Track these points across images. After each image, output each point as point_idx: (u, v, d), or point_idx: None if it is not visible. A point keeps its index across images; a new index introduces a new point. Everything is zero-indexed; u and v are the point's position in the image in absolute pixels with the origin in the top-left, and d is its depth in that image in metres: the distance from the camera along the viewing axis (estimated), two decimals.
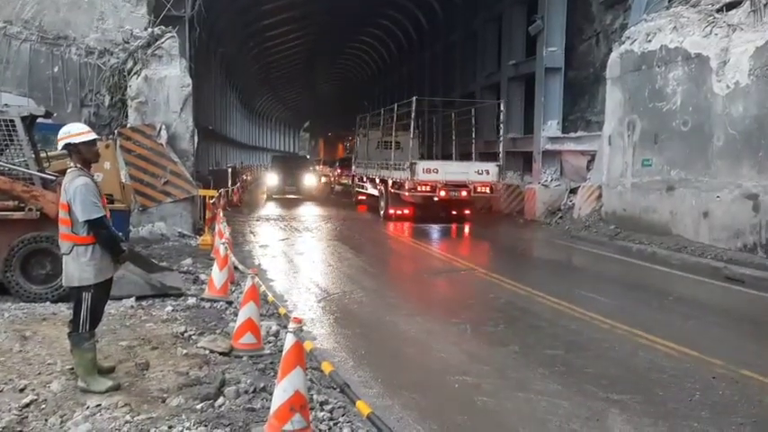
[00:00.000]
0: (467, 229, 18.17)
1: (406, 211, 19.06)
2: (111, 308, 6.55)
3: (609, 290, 9.95)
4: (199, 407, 4.43)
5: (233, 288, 8.45)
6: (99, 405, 4.39)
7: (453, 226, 18.36)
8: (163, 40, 14.41)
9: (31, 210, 7.48)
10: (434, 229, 17.68)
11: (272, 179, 29.43)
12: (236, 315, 6.67)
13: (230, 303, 7.68)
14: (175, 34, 14.83)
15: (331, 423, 4.39)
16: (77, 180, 4.68)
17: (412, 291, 10.12)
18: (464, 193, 18.17)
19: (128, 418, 4.21)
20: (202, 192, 15.10)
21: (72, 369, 4.92)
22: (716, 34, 12.74)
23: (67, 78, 14.80)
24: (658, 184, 14.32)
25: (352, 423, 4.39)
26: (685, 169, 13.53)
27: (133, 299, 7.42)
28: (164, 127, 13.84)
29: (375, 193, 21.97)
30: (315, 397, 4.71)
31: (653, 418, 4.84)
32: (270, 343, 6.16)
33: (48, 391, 4.66)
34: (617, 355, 6.42)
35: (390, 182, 19.55)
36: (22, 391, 4.64)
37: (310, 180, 30.81)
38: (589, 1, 20.94)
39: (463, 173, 18.40)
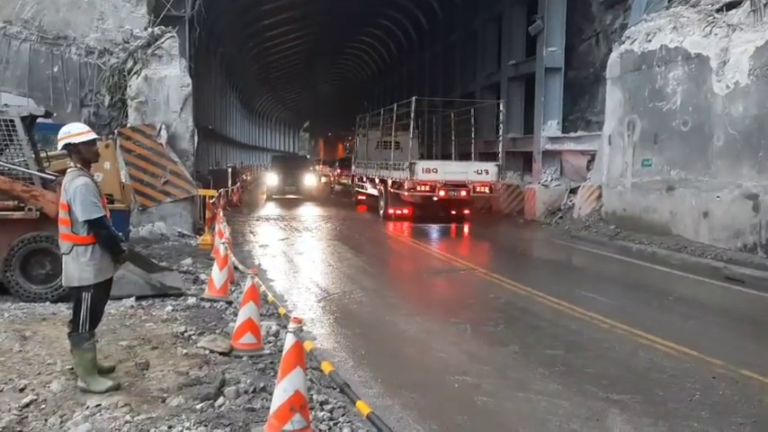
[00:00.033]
0: (466, 228, 18.17)
1: (406, 211, 19.08)
2: (111, 308, 6.55)
3: (609, 290, 9.95)
4: (199, 407, 4.43)
5: (233, 288, 8.45)
6: (99, 405, 4.39)
7: (453, 226, 18.36)
8: (163, 39, 14.41)
9: (30, 209, 7.48)
10: (434, 229, 17.68)
11: (271, 179, 29.30)
12: (235, 315, 6.67)
13: (230, 303, 7.68)
14: (175, 34, 14.83)
15: (331, 423, 4.39)
16: (77, 180, 4.68)
17: (412, 291, 10.12)
18: (463, 193, 18.19)
19: (128, 418, 4.21)
20: (202, 192, 15.10)
21: (72, 369, 4.92)
22: (716, 34, 12.74)
23: (67, 78, 14.80)
24: (658, 183, 14.32)
25: (352, 423, 4.39)
26: (685, 169, 13.52)
27: (133, 299, 7.42)
28: (164, 127, 13.84)
29: (375, 192, 21.99)
30: (315, 397, 4.71)
31: (653, 418, 4.84)
32: (270, 343, 6.16)
33: (47, 391, 4.65)
34: (617, 354, 6.41)
35: (390, 182, 19.56)
36: (21, 390, 4.64)
37: (310, 180, 30.74)
38: (589, 1, 20.95)
39: (462, 173, 18.42)
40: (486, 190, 18.47)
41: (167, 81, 14.17)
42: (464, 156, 22.07)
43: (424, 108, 24.68)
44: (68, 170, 4.84)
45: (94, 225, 4.66)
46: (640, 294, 9.58)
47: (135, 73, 14.24)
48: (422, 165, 18.34)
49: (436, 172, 18.15)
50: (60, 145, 4.78)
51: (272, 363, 5.46)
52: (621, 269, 11.98)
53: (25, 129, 7.68)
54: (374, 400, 4.97)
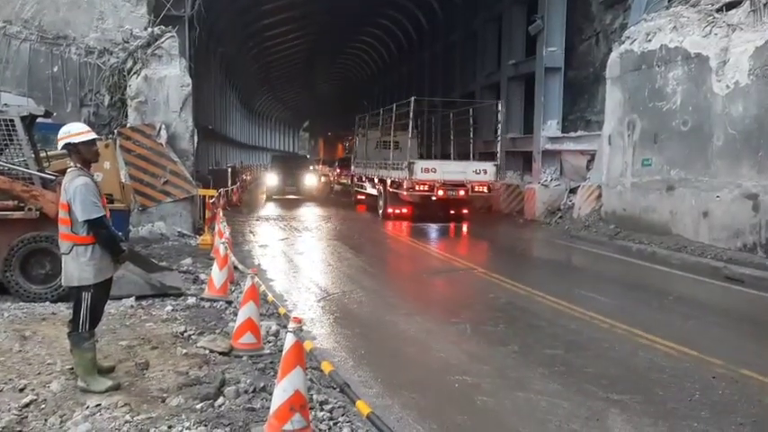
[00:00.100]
0: (466, 228, 18.18)
1: (405, 211, 19.13)
2: (110, 307, 6.55)
3: (609, 289, 9.95)
4: (198, 407, 4.43)
5: (233, 288, 8.45)
6: (99, 405, 4.38)
7: (451, 225, 18.40)
8: (163, 39, 14.40)
9: (30, 209, 7.48)
10: (433, 229, 17.70)
11: (271, 179, 29.04)
12: (235, 315, 6.67)
13: (230, 303, 7.68)
14: (175, 34, 14.81)
15: (331, 423, 4.39)
16: (77, 180, 4.68)
17: (411, 290, 10.12)
18: (462, 193, 18.25)
19: (127, 417, 4.21)
20: (202, 191, 15.10)
21: (72, 369, 4.92)
22: (716, 34, 12.74)
23: (67, 78, 14.79)
24: (658, 183, 14.32)
25: (351, 423, 4.39)
26: (685, 169, 13.53)
27: (133, 298, 7.42)
28: (163, 127, 13.83)
29: (374, 192, 22.01)
30: (315, 397, 4.71)
31: (653, 417, 4.84)
32: (270, 343, 6.16)
33: (47, 390, 4.65)
34: (617, 354, 6.42)
35: (389, 181, 19.59)
36: (21, 390, 4.64)
37: (311, 180, 30.60)
38: (589, 1, 20.95)
39: (461, 172, 18.48)
40: (485, 189, 18.56)
41: (167, 81, 14.16)
42: (464, 155, 22.10)
43: (424, 108, 24.71)
44: (68, 170, 4.84)
45: (94, 225, 4.66)
46: (640, 294, 9.58)
47: (135, 73, 14.23)
48: (420, 164, 18.40)
49: (435, 171, 18.21)
50: (60, 145, 4.78)
51: (271, 362, 5.46)
52: (621, 269, 11.98)
53: (25, 128, 7.68)
54: (374, 399, 4.97)
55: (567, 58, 21.02)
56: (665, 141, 14.13)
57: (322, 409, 4.55)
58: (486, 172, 18.50)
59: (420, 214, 18.95)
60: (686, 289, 10.08)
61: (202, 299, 7.81)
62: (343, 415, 4.51)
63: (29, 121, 7.92)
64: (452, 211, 19.02)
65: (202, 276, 9.35)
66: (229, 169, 27.57)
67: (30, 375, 4.94)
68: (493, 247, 15.55)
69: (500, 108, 20.14)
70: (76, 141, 4.74)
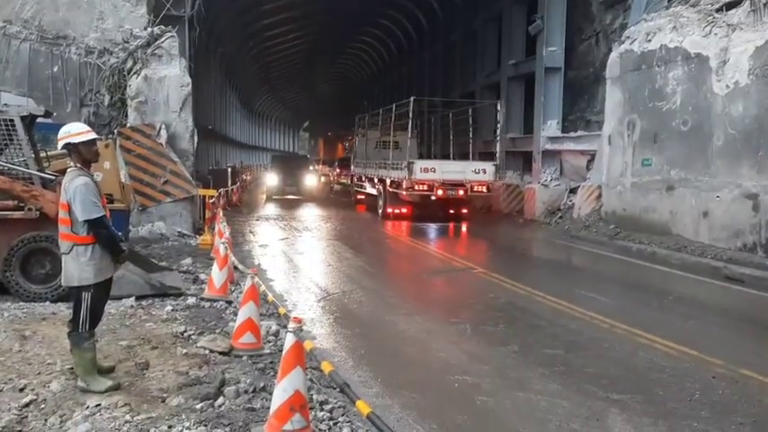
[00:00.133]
0: (465, 228, 18.19)
1: (404, 210, 19.16)
2: (110, 307, 6.55)
3: (609, 289, 9.95)
4: (198, 406, 4.43)
5: (233, 288, 8.45)
6: (99, 405, 4.38)
7: (451, 225, 18.43)
8: (162, 39, 14.40)
9: (30, 209, 7.48)
10: (432, 228, 17.71)
11: (271, 179, 28.75)
12: (235, 315, 6.67)
13: (230, 303, 7.68)
14: (175, 34, 14.81)
15: (331, 423, 4.39)
16: (77, 180, 4.68)
17: (411, 290, 10.12)
18: (461, 192, 18.30)
19: (127, 417, 4.21)
20: (202, 191, 15.10)
21: (72, 369, 4.92)
22: (715, 34, 12.74)
23: (67, 78, 14.79)
24: (658, 183, 14.32)
25: (351, 423, 4.39)
26: (685, 169, 13.53)
27: (133, 298, 7.42)
28: (163, 126, 13.83)
29: (374, 192, 22.03)
30: (314, 397, 4.71)
31: (653, 417, 4.84)
32: (270, 342, 6.16)
33: (47, 390, 4.65)
34: (617, 354, 6.42)
35: (388, 181, 19.62)
36: (21, 390, 4.64)
37: (311, 180, 30.41)
38: (589, 1, 20.95)
39: (460, 172, 18.55)
40: (484, 189, 18.64)
41: (167, 81, 14.16)
42: (464, 155, 22.14)
43: (424, 108, 24.73)
44: (68, 170, 4.84)
45: (94, 225, 4.66)
46: (640, 294, 9.58)
47: (135, 73, 14.23)
48: (420, 164, 18.45)
49: (434, 171, 18.27)
50: (60, 145, 4.78)
51: (271, 362, 5.46)
52: (621, 269, 11.98)
53: (25, 128, 7.68)
54: (374, 399, 4.97)
55: (567, 58, 21.03)
56: (665, 141, 14.13)
57: (322, 409, 4.55)
58: (485, 172, 18.58)
59: (419, 214, 19.00)
60: (686, 289, 10.08)
61: (202, 299, 7.81)
62: (343, 415, 4.51)
63: (29, 121, 7.91)
64: (452, 211, 19.07)
65: (202, 276, 9.35)
66: (229, 169, 27.57)
67: (30, 375, 4.94)
68: (493, 247, 15.55)
69: (499, 108, 20.17)
70: (76, 141, 4.74)
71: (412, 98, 18.66)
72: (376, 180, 21.54)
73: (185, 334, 6.23)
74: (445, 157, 24.33)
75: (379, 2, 37.07)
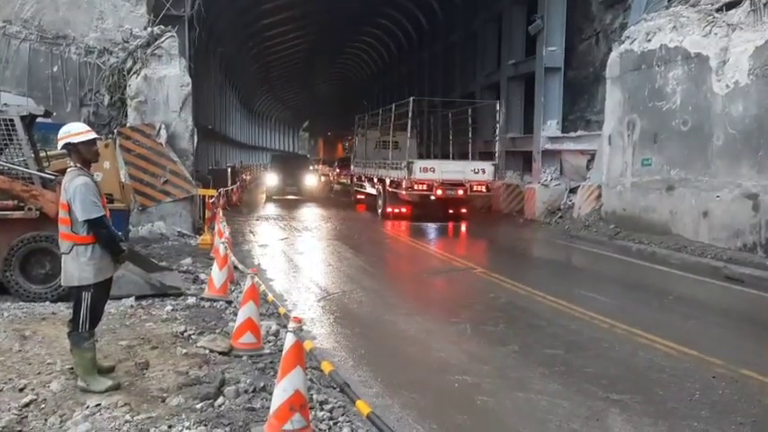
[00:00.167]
0: (465, 227, 18.20)
1: (404, 210, 19.21)
2: (110, 307, 6.55)
3: (608, 289, 9.95)
4: (198, 406, 4.43)
5: (233, 287, 8.45)
6: (99, 405, 4.38)
7: (450, 224, 18.47)
8: (162, 39, 14.40)
9: (30, 209, 7.48)
10: (432, 228, 17.72)
11: (271, 179, 28.61)
12: (235, 314, 6.67)
13: (230, 303, 7.68)
14: (175, 34, 14.82)
15: (331, 422, 4.39)
16: (77, 179, 4.68)
17: (411, 290, 10.12)
18: (460, 192, 18.35)
19: (127, 417, 4.21)
20: (202, 191, 15.10)
21: (72, 368, 4.92)
22: (715, 34, 12.74)
23: (67, 78, 14.79)
24: (658, 183, 14.32)
25: (351, 422, 4.39)
26: (685, 169, 13.53)
27: (133, 298, 7.42)
28: (163, 126, 13.82)
29: (373, 192, 22.06)
30: (314, 396, 4.71)
31: (653, 417, 4.84)
32: (269, 342, 6.16)
33: (47, 390, 4.65)
34: (617, 354, 6.42)
35: (388, 181, 19.66)
36: (21, 390, 4.64)
37: (311, 180, 30.31)
38: (589, 0, 20.94)
39: (459, 172, 18.61)
40: (483, 189, 18.72)
41: (167, 81, 14.16)
42: (464, 155, 22.17)
43: (424, 108, 24.76)
44: (68, 170, 4.83)
45: (94, 225, 4.66)
46: (640, 294, 9.58)
47: (134, 72, 14.23)
48: (419, 164, 18.51)
49: (433, 171, 18.32)
50: (60, 144, 4.78)
51: (271, 362, 5.46)
52: (621, 269, 11.98)
53: (25, 128, 7.68)
54: (374, 399, 4.97)
55: (566, 57, 21.02)
56: (664, 141, 14.13)
57: (322, 409, 4.55)
58: (484, 171, 18.65)
59: (419, 214, 19.05)
60: (686, 289, 10.08)
61: (202, 299, 7.81)
62: (343, 415, 4.51)
63: (29, 120, 7.91)
64: (451, 211, 19.13)
65: (202, 276, 9.35)
66: (229, 169, 27.56)
67: (30, 375, 4.94)
68: (493, 247, 15.56)
69: (498, 108, 20.20)
70: (76, 141, 4.74)
71: (411, 98, 18.71)
72: (375, 180, 21.56)
73: (185, 334, 6.23)
74: (445, 156, 24.37)
75: (379, 2, 37.06)
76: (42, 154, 8.37)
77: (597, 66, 20.11)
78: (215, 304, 7.61)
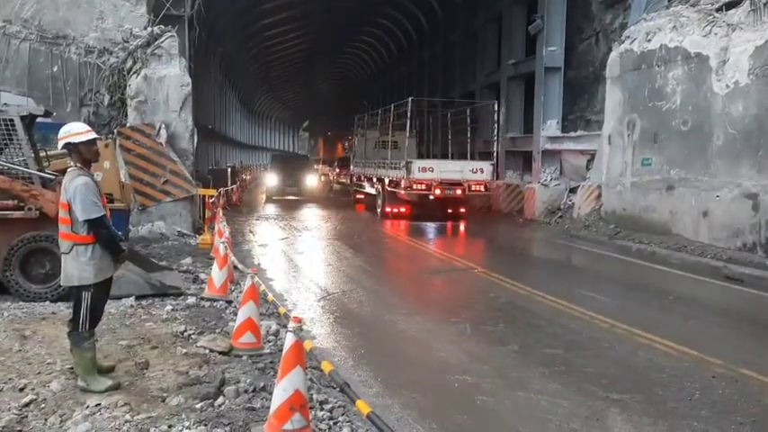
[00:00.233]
0: (465, 227, 18.21)
1: (403, 210, 19.28)
2: (110, 307, 6.54)
3: (608, 289, 9.95)
4: (198, 406, 4.43)
5: (233, 287, 8.45)
6: (99, 404, 4.38)
7: (449, 224, 18.51)
8: (162, 39, 14.40)
9: (30, 209, 7.48)
10: (431, 228, 17.73)
11: (271, 179, 28.27)
12: (235, 314, 6.67)
13: (230, 303, 7.68)
14: (175, 33, 14.82)
15: (331, 422, 4.39)
16: (77, 179, 4.68)
17: (411, 290, 10.12)
18: (459, 192, 18.42)
19: (127, 417, 4.21)
20: (202, 191, 15.10)
21: (72, 368, 4.92)
22: (715, 33, 12.74)
23: (67, 77, 14.79)
24: (658, 183, 14.32)
25: (351, 422, 4.39)
26: (685, 168, 13.53)
27: (133, 298, 7.42)
28: (163, 126, 13.82)
29: (373, 192, 22.10)
30: (314, 396, 4.71)
31: (653, 417, 4.84)
32: (269, 342, 6.16)
33: (47, 390, 4.65)
34: (617, 354, 6.42)
35: (387, 180, 19.72)
36: (21, 390, 4.64)
37: (312, 180, 30.07)
38: (589, 0, 20.94)
39: (458, 171, 18.68)
40: (482, 188, 18.80)
41: (167, 80, 14.16)
42: (463, 155, 22.20)
43: (423, 108, 24.77)
44: (68, 169, 4.83)
45: (94, 224, 4.66)
46: (640, 294, 9.58)
47: (134, 72, 14.23)
48: (418, 164, 18.59)
49: (432, 171, 18.39)
50: (60, 144, 4.78)
51: (271, 362, 5.46)
52: (621, 268, 11.98)
53: (25, 128, 7.68)
54: (374, 399, 4.97)
55: (566, 57, 21.02)
56: (664, 141, 14.13)
57: (322, 409, 4.55)
58: (482, 171, 18.75)
59: (418, 213, 19.12)
60: (686, 289, 10.08)
61: (202, 298, 7.81)
62: (343, 414, 4.51)
63: (29, 120, 7.91)
64: (450, 210, 19.20)
65: (202, 276, 9.35)
66: (229, 169, 27.54)
67: (30, 375, 4.94)
68: (492, 247, 15.56)
69: (496, 108, 20.24)
70: (77, 141, 4.74)
71: (410, 98, 18.78)
72: (375, 180, 21.60)
73: (185, 333, 6.23)
74: (445, 156, 24.40)
75: (379, 1, 37.06)
76: (42, 154, 8.37)
77: (597, 66, 20.11)
78: (215, 304, 7.62)
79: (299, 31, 42.72)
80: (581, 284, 10.17)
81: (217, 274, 7.98)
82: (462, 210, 19.29)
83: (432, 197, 18.33)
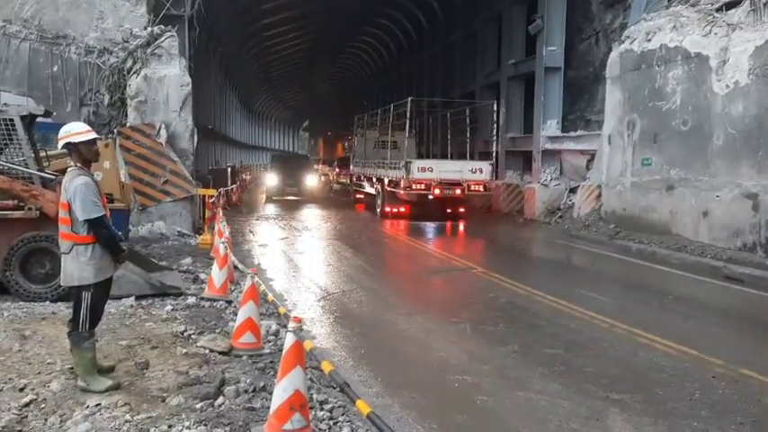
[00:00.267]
0: (465, 227, 18.22)
1: (402, 209, 19.31)
2: (110, 307, 6.54)
3: (608, 289, 9.95)
4: (198, 406, 4.43)
5: (233, 287, 8.45)
6: (99, 404, 4.38)
7: (449, 224, 18.52)
8: (162, 39, 14.40)
9: (30, 209, 7.48)
10: (431, 228, 17.74)
11: (271, 179, 28.13)
12: (235, 314, 6.67)
13: (230, 302, 7.68)
14: (175, 33, 14.82)
15: (331, 422, 4.39)
16: (77, 179, 4.68)
17: (411, 290, 10.12)
18: (458, 191, 18.46)
19: (127, 417, 4.21)
20: (202, 191, 15.10)
21: (72, 368, 4.92)
22: (715, 33, 12.74)
23: (67, 77, 14.78)
24: (658, 183, 14.32)
25: (351, 422, 4.39)
26: (685, 168, 13.53)
27: (133, 298, 7.42)
28: (163, 126, 13.82)
29: (372, 191, 22.13)
30: (314, 396, 4.71)
31: (653, 417, 4.84)
32: (269, 342, 6.16)
33: (47, 390, 4.65)
34: (617, 354, 6.42)
35: (387, 180, 19.74)
36: (21, 390, 4.64)
37: (312, 180, 29.96)
38: (589, 0, 20.94)
39: (457, 171, 18.72)
40: (481, 188, 18.85)
41: (167, 80, 14.16)
42: (463, 155, 22.21)
43: (423, 108, 24.80)
44: (68, 169, 4.83)
45: (94, 224, 4.66)
46: (640, 294, 9.58)
47: (134, 72, 14.23)
48: (417, 164, 18.63)
49: (431, 171, 18.42)
50: (60, 144, 4.78)
51: (271, 362, 5.46)
52: (621, 268, 11.98)
53: (25, 128, 7.68)
54: (374, 399, 4.97)
55: (566, 57, 21.02)
56: (664, 141, 14.13)
57: (322, 409, 4.55)
58: (481, 171, 18.81)
59: (417, 213, 19.15)
60: (686, 289, 10.08)
61: (202, 298, 7.81)
62: (343, 414, 4.51)
63: (28, 120, 7.91)
64: (449, 210, 19.25)
65: (202, 276, 9.35)
66: (229, 169, 27.55)
67: (30, 375, 4.94)
68: (492, 247, 15.56)
69: (496, 108, 20.26)
70: (77, 141, 4.74)
71: (410, 98, 18.80)
72: (374, 179, 21.62)
73: (185, 333, 6.23)
74: (444, 156, 24.42)
75: (379, 1, 37.07)
76: (42, 154, 8.37)
77: (597, 65, 20.11)
78: (215, 304, 7.62)
79: (298, 31, 42.72)
80: (581, 284, 10.17)
81: (217, 274, 7.98)
82: (462, 210, 19.33)
83: (431, 197, 18.36)
